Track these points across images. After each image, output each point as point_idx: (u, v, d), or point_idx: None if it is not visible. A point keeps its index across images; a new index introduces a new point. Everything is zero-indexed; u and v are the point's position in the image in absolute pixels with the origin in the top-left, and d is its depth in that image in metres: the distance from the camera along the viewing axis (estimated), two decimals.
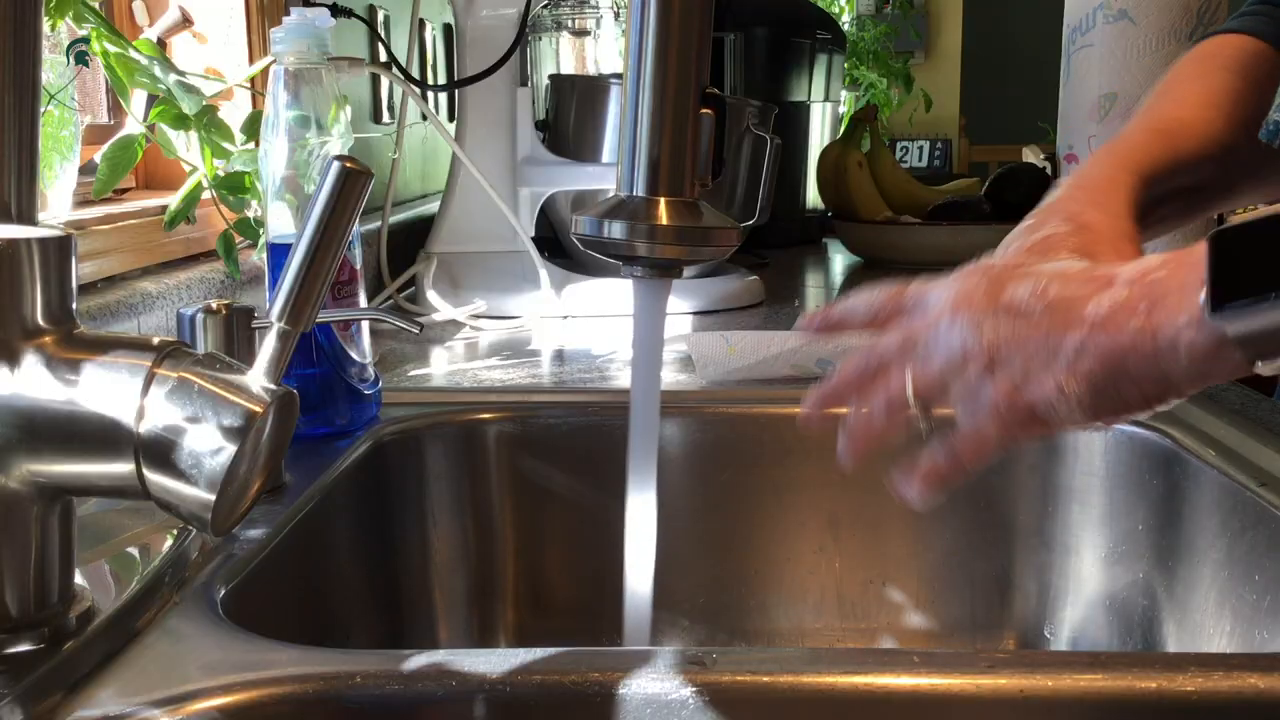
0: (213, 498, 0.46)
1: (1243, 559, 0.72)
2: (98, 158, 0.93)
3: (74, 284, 0.48)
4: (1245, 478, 0.73)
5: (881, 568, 0.92)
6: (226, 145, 0.95)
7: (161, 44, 1.12)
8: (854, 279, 1.63)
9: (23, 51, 0.48)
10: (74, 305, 0.48)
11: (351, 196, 0.47)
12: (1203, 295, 0.46)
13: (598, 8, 1.60)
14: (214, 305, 0.70)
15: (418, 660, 0.50)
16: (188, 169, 0.96)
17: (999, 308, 0.53)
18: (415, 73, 1.62)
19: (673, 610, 0.91)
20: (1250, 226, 0.45)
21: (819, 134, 1.97)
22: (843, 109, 2.44)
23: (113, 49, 0.89)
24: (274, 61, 0.82)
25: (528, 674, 0.49)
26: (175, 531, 0.62)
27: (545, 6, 1.57)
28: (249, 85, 1.07)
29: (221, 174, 0.95)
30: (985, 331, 0.53)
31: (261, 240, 0.94)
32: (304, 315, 0.48)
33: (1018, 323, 0.53)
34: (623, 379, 1.01)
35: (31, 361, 0.46)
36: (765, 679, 0.49)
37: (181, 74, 0.93)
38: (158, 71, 0.91)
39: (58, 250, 0.47)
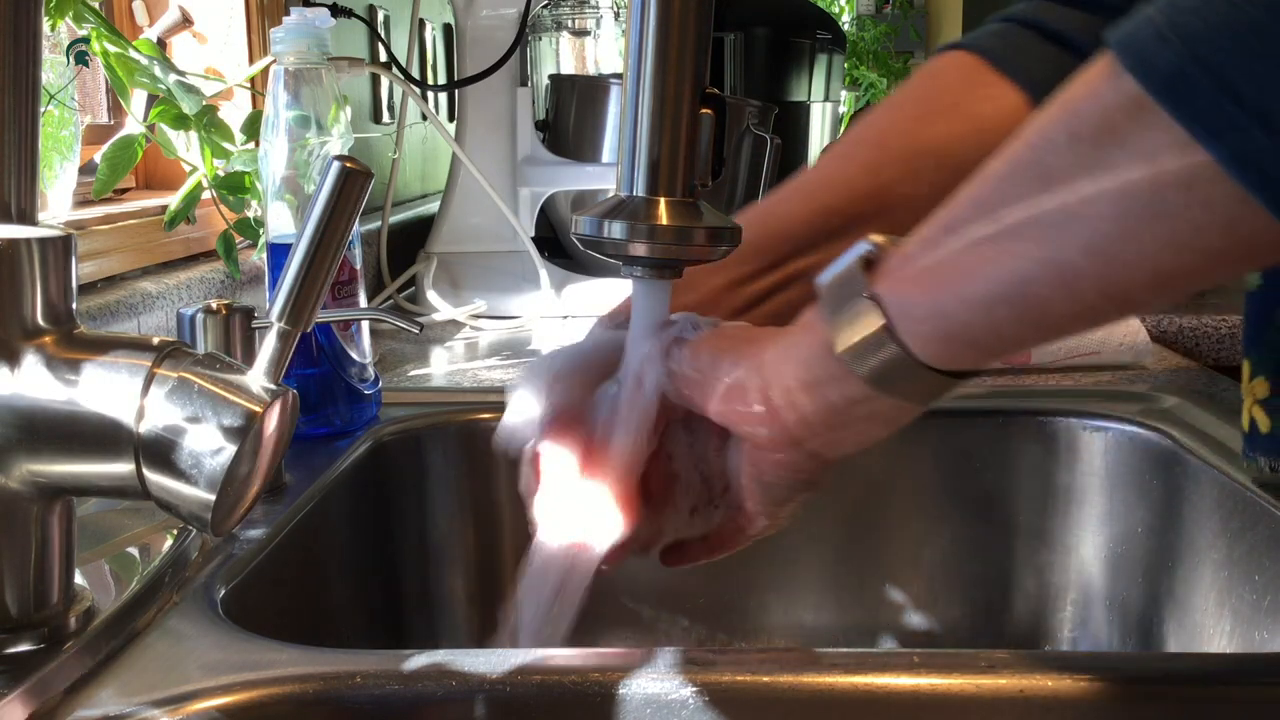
0: (213, 498, 0.46)
1: (1243, 559, 0.72)
2: (98, 158, 0.93)
3: (74, 284, 0.48)
4: (1245, 478, 0.73)
5: (881, 568, 0.92)
6: (226, 145, 0.95)
7: (161, 44, 1.12)
8: None
9: (23, 51, 0.48)
10: (74, 305, 0.48)
11: (351, 196, 0.47)
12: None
13: (598, 8, 1.60)
14: (214, 305, 0.70)
15: (418, 660, 0.50)
16: (188, 169, 0.96)
17: None
18: (415, 73, 1.62)
19: (673, 610, 0.91)
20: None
21: (819, 134, 1.97)
22: (843, 109, 2.44)
23: (113, 49, 0.89)
24: (274, 61, 0.82)
25: (528, 674, 0.49)
26: (175, 531, 0.62)
27: (545, 6, 1.56)
28: (249, 85, 1.07)
29: (221, 174, 0.95)
30: None
31: (261, 240, 0.94)
32: (304, 315, 0.48)
33: None
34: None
35: (31, 361, 0.46)
36: (765, 679, 0.49)
37: (181, 74, 0.93)
38: (158, 71, 0.91)
39: (58, 250, 0.47)
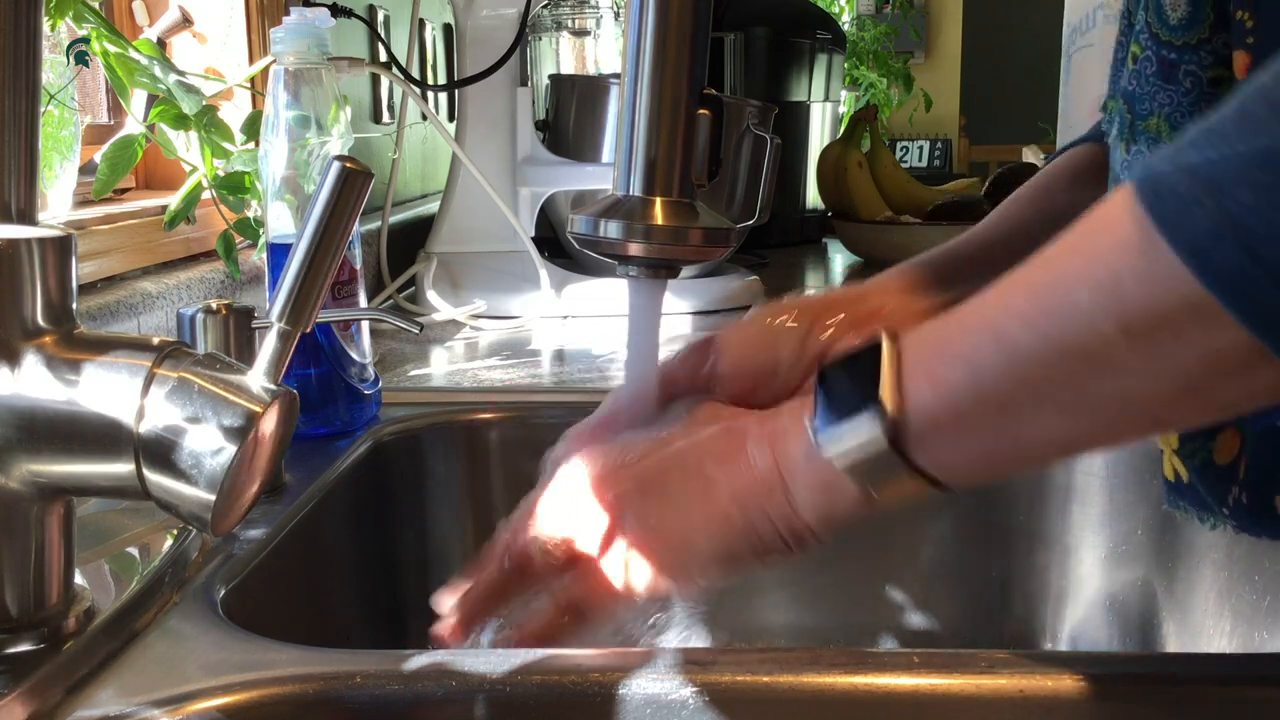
0: (213, 498, 0.46)
1: (1243, 559, 0.72)
2: (98, 158, 0.93)
3: (74, 284, 0.48)
4: None
5: (881, 568, 0.92)
6: (226, 145, 0.95)
7: (161, 44, 1.12)
8: (853, 279, 1.63)
9: (23, 52, 0.48)
10: (74, 305, 0.48)
11: (351, 196, 0.47)
12: (807, 421, 0.47)
13: (598, 8, 1.60)
14: (214, 305, 0.70)
15: (418, 660, 0.50)
16: (188, 169, 0.96)
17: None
18: (415, 73, 1.62)
19: (673, 610, 0.91)
20: (852, 354, 0.45)
21: (819, 134, 1.97)
22: (843, 109, 2.44)
23: (113, 49, 0.89)
24: (274, 61, 0.82)
25: (528, 674, 0.49)
26: (175, 531, 0.62)
27: (545, 6, 1.57)
28: (249, 85, 1.07)
29: (221, 174, 0.95)
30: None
31: (261, 240, 0.94)
32: (304, 315, 0.48)
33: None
34: (622, 379, 1.01)
35: (32, 361, 0.46)
36: (765, 679, 0.49)
37: (181, 74, 0.93)
38: (158, 71, 0.91)
39: (58, 250, 0.47)
